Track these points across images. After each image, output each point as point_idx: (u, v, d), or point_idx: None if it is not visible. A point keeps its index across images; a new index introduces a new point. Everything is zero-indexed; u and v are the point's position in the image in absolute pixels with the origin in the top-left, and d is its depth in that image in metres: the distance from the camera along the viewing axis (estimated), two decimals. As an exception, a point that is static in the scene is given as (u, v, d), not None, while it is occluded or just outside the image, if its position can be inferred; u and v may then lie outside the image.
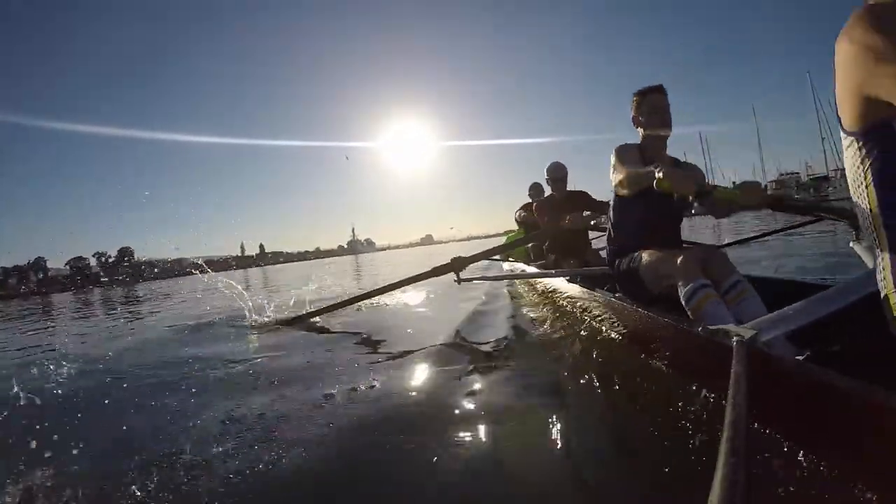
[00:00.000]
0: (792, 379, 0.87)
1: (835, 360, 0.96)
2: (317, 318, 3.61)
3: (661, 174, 1.48)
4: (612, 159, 1.89)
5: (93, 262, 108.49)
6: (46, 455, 1.37)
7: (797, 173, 43.83)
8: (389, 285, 3.29)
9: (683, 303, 1.48)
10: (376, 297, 3.80)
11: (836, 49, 0.87)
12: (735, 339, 0.93)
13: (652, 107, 1.86)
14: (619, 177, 1.78)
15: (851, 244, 1.52)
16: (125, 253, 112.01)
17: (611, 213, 2.05)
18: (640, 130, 1.92)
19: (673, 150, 1.97)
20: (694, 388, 1.22)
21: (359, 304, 3.77)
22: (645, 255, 1.76)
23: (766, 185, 42.01)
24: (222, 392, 2.03)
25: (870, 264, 1.31)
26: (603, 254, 2.98)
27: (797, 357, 1.04)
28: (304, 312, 3.68)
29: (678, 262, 1.55)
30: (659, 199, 1.73)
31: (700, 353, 1.21)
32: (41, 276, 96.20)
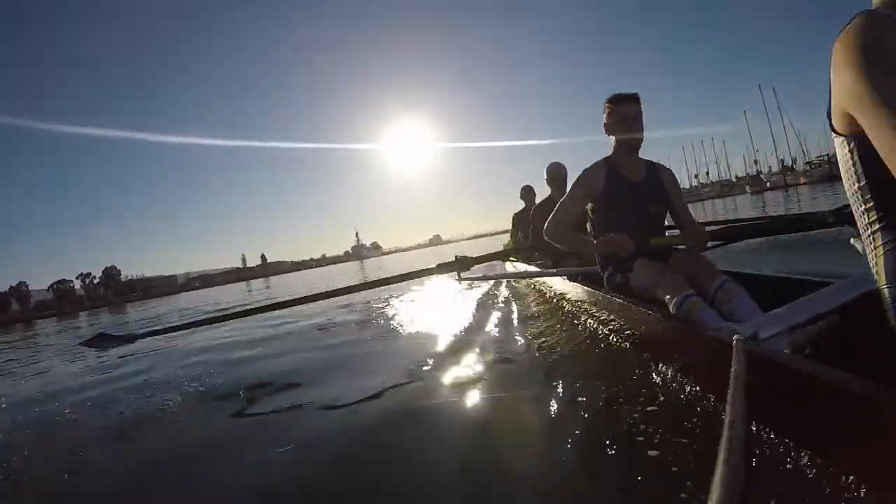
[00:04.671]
0: (792, 377, 0.87)
1: (835, 357, 0.97)
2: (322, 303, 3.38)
3: (598, 244, 1.76)
4: (575, 180, 1.97)
5: (77, 284, 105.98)
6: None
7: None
8: (396, 276, 3.26)
9: (673, 313, 1.52)
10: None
11: (832, 50, 0.83)
12: (734, 337, 0.92)
13: (623, 115, 1.86)
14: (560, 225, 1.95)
15: (852, 241, 1.54)
16: (111, 272, 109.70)
17: (589, 226, 2.07)
18: (612, 138, 1.93)
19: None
20: (693, 387, 1.24)
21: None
22: (635, 269, 1.79)
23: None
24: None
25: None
26: None
27: (797, 355, 1.04)
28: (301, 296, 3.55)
29: (666, 279, 1.61)
30: (632, 214, 1.85)
31: (699, 353, 1.22)
32: (30, 302, 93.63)
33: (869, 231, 0.92)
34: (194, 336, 4.55)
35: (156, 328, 3.10)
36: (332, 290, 2.91)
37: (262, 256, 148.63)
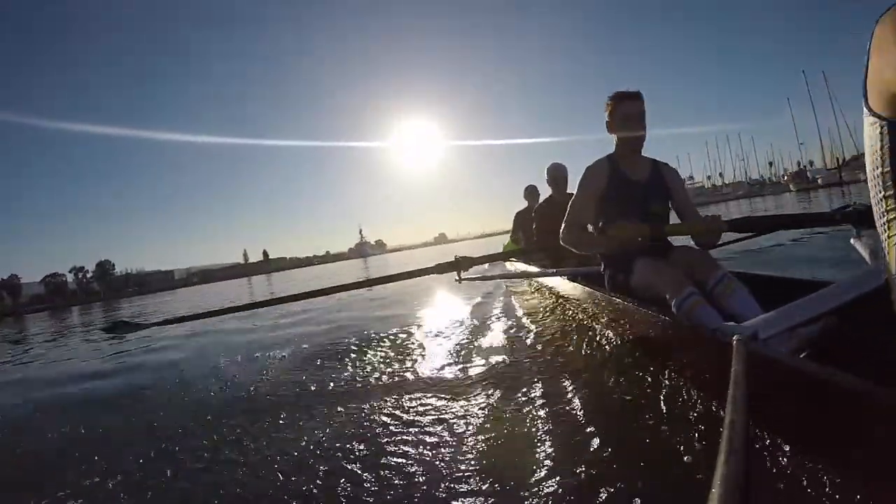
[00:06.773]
0: (792, 377, 0.87)
1: (835, 357, 0.97)
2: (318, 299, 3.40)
3: (611, 233, 1.62)
4: (580, 180, 1.94)
5: (69, 278, 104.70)
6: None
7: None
8: (393, 275, 3.23)
9: (674, 312, 1.53)
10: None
11: (876, 27, 0.82)
12: (734, 337, 0.92)
13: (625, 114, 1.85)
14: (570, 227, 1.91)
15: (852, 241, 1.53)
16: (104, 267, 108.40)
17: (590, 227, 2.03)
18: (615, 136, 1.92)
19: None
20: (693, 387, 1.23)
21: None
22: (637, 267, 1.78)
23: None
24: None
25: (870, 261, 1.32)
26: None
27: (797, 355, 1.04)
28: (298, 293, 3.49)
29: (667, 277, 1.62)
30: (635, 213, 1.79)
31: (699, 352, 1.22)
32: (21, 295, 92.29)
33: (885, 219, 0.88)
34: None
35: (168, 318, 3.30)
36: (336, 286, 3.03)
37: (265, 252, 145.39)
